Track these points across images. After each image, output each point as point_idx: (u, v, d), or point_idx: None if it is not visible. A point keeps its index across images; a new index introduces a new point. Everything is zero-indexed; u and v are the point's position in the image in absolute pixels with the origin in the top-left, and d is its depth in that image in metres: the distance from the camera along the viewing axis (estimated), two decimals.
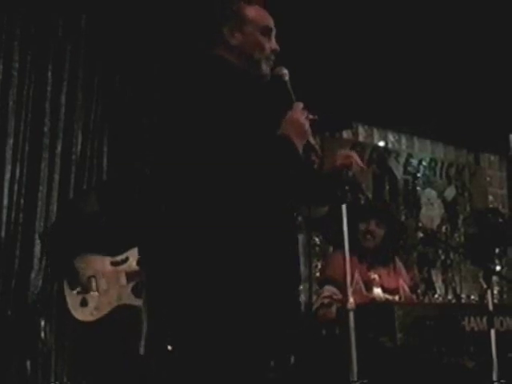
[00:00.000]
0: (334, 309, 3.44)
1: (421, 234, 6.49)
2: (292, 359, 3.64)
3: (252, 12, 2.11)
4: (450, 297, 6.52)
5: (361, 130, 6.37)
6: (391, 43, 5.01)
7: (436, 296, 6.31)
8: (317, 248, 5.81)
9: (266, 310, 1.91)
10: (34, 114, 4.34)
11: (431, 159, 6.81)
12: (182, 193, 1.92)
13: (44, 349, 3.98)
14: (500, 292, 6.76)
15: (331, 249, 5.52)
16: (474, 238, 6.68)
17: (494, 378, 2.97)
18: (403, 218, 6.39)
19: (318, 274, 5.16)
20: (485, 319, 3.17)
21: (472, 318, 3.21)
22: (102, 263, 3.34)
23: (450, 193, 6.88)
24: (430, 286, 6.39)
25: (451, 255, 6.53)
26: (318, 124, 2.08)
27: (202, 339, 1.85)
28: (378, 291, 3.64)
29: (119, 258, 3.35)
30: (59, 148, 4.41)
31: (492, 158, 7.29)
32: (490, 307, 3.08)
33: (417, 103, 5.74)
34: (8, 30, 4.29)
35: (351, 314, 2.28)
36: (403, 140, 6.68)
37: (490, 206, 7.11)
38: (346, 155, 2.21)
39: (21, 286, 4.10)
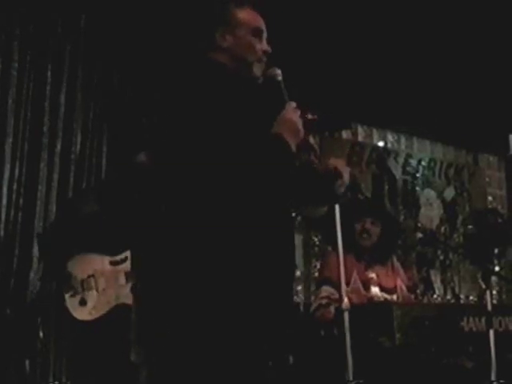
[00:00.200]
0: (332, 309, 3.45)
1: (420, 235, 6.49)
2: (290, 359, 3.64)
3: (243, 15, 2.14)
4: (448, 297, 6.52)
5: (360, 130, 6.37)
6: (391, 43, 5.02)
7: (435, 296, 6.32)
8: (316, 248, 5.81)
9: (264, 310, 1.91)
10: (33, 114, 4.34)
11: (430, 159, 6.81)
12: (175, 193, 1.92)
13: (43, 348, 3.98)
14: (499, 292, 6.75)
15: (330, 249, 5.52)
16: (473, 238, 6.68)
17: (493, 378, 2.97)
18: (402, 218, 6.39)
19: (316, 275, 5.16)
20: (483, 319, 3.18)
21: (471, 319, 3.21)
22: (101, 263, 3.34)
23: (449, 193, 6.88)
24: (429, 286, 6.39)
25: (450, 255, 6.53)
26: (317, 124, 2.08)
27: (200, 339, 1.85)
28: (375, 290, 3.65)
29: (118, 257, 3.35)
30: (58, 147, 4.40)
31: (491, 158, 7.29)
32: (489, 307, 3.09)
33: (416, 103, 5.74)
34: (7, 29, 4.29)
35: (346, 314, 2.29)
36: (402, 140, 6.67)
37: (489, 206, 7.10)
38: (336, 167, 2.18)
39: (19, 285, 4.10)
